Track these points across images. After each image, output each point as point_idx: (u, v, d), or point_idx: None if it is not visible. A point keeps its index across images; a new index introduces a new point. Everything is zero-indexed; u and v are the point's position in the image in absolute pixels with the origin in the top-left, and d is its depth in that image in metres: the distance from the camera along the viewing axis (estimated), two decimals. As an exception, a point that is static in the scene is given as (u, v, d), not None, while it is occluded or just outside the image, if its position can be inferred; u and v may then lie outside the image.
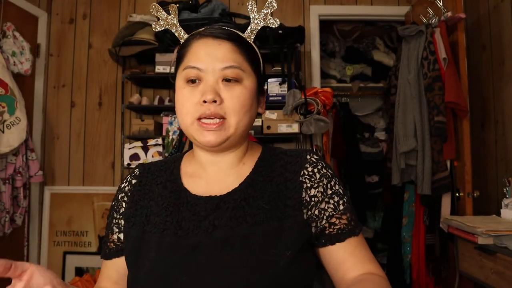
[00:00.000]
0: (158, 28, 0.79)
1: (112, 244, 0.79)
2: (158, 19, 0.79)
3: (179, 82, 0.74)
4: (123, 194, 0.79)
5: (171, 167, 0.80)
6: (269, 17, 0.77)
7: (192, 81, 0.71)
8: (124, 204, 0.78)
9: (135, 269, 0.71)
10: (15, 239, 2.46)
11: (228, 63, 0.71)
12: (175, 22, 0.78)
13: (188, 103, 0.71)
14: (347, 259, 0.70)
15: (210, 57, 0.71)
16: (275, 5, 0.76)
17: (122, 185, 0.81)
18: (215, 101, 0.69)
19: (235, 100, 0.70)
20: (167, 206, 0.73)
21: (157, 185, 0.78)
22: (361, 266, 0.69)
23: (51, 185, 2.79)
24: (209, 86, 0.70)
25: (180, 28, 0.78)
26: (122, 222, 0.77)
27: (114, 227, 0.79)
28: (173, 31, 0.78)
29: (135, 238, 0.73)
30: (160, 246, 0.69)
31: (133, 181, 0.80)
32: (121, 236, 0.78)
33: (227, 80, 0.71)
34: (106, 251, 0.79)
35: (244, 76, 0.72)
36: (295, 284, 0.66)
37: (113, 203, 0.81)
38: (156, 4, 0.78)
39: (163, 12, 0.78)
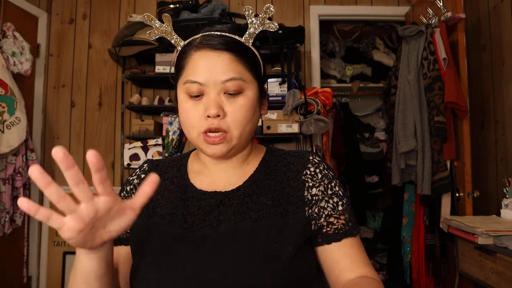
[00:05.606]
0: (153, 37, 0.78)
1: None
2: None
3: (181, 95, 0.74)
4: (132, 187, 0.81)
5: (178, 164, 0.83)
6: (267, 21, 0.75)
7: (195, 96, 0.72)
8: (133, 196, 0.79)
9: (139, 258, 0.72)
10: (15, 239, 2.46)
11: (229, 75, 0.70)
12: (169, 30, 0.77)
13: (192, 117, 0.72)
14: (342, 259, 0.71)
15: (210, 70, 0.71)
16: (273, 10, 0.75)
17: (131, 178, 0.83)
18: (218, 115, 0.70)
19: (237, 113, 0.71)
20: (173, 199, 0.76)
21: (164, 180, 0.80)
22: (355, 267, 0.70)
23: (51, 185, 2.78)
24: (212, 100, 0.70)
25: (176, 35, 0.77)
26: None
27: None
28: (168, 39, 0.78)
29: (141, 228, 0.74)
30: (166, 238, 0.71)
31: (142, 176, 0.82)
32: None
33: (229, 93, 0.71)
34: None
35: (245, 86, 0.72)
36: (296, 279, 0.67)
37: (121, 194, 0.82)
38: (147, 14, 0.77)
39: (157, 21, 0.77)
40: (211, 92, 0.71)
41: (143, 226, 0.74)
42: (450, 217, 1.96)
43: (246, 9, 0.76)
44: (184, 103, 0.73)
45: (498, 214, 1.89)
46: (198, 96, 0.72)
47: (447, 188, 2.12)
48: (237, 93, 0.71)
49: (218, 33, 0.73)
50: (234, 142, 0.73)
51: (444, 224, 2.00)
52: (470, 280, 1.81)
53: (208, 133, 0.71)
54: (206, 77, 0.70)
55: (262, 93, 0.79)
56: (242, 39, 0.75)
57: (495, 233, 1.58)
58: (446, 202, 2.17)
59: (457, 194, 2.15)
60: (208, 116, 0.70)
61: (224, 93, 0.71)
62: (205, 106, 0.70)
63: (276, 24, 0.76)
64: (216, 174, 0.78)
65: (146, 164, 0.84)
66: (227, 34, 0.73)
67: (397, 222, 2.58)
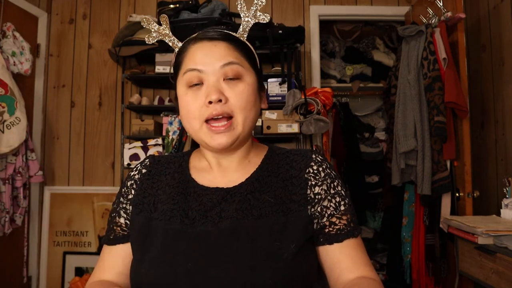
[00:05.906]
0: (152, 40, 0.80)
1: (119, 229, 0.78)
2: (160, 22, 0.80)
3: (181, 88, 0.75)
4: (133, 182, 0.81)
5: (179, 161, 0.83)
6: (259, 13, 0.78)
7: (194, 84, 0.72)
8: (133, 191, 0.80)
9: (140, 254, 0.71)
10: (15, 239, 2.46)
11: (227, 59, 0.72)
12: (167, 32, 0.79)
13: (193, 107, 0.72)
14: (343, 260, 0.71)
15: (208, 57, 0.72)
16: (263, 0, 0.78)
17: (132, 173, 0.83)
18: (220, 101, 0.70)
19: (239, 97, 0.71)
20: (174, 195, 0.75)
21: (165, 176, 0.80)
22: (356, 268, 0.70)
23: (51, 185, 2.79)
24: (212, 86, 0.71)
25: (173, 37, 0.79)
26: (130, 208, 0.79)
27: (121, 211, 0.79)
28: (166, 41, 0.79)
29: (142, 224, 0.74)
30: (167, 233, 0.71)
31: (143, 170, 0.82)
32: (128, 221, 0.79)
33: (229, 78, 0.72)
34: (111, 237, 0.78)
35: (244, 72, 0.73)
36: (297, 277, 0.67)
37: (122, 189, 0.82)
38: (146, 17, 0.79)
39: (154, 24, 0.79)
40: (210, 78, 0.71)
41: (144, 221, 0.74)
42: (450, 217, 1.96)
43: (239, 3, 0.78)
44: (184, 96, 0.73)
45: (498, 214, 1.89)
46: (197, 84, 0.72)
47: (447, 188, 2.12)
48: (236, 78, 0.72)
49: (214, 29, 0.76)
50: (239, 130, 0.72)
51: (444, 224, 2.00)
52: (470, 280, 1.81)
53: (212, 123, 0.71)
54: (205, 64, 0.72)
55: (261, 85, 0.80)
56: (237, 34, 0.78)
57: (495, 233, 1.57)
58: (446, 202, 2.17)
59: (457, 194, 2.15)
60: (210, 102, 0.70)
61: (224, 79, 0.72)
62: (206, 93, 0.71)
63: (268, 15, 0.79)
64: (218, 171, 0.78)
65: (147, 159, 0.84)
66: (223, 30, 0.76)
67: (397, 222, 2.58)
